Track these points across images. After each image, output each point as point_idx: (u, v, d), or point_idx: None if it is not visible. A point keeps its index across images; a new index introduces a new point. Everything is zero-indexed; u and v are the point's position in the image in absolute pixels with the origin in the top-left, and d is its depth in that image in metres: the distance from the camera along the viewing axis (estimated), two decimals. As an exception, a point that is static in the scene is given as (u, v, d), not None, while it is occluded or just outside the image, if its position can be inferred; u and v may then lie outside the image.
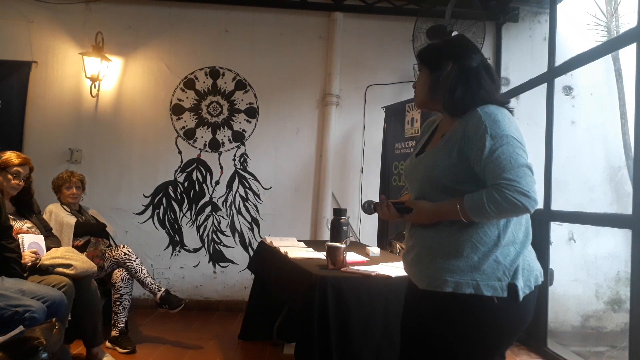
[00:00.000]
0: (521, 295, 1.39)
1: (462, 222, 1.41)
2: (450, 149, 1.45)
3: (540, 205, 3.47)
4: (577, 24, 4.65)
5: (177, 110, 4.58)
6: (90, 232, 3.51)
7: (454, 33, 4.06)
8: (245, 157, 4.61)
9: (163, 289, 3.39)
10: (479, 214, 1.36)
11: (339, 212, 3.29)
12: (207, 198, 4.56)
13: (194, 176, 4.57)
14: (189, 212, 4.55)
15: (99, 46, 4.37)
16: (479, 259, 1.39)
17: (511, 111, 1.48)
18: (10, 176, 2.85)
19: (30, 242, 2.85)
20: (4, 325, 2.20)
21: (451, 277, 1.40)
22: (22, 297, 2.34)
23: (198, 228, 4.55)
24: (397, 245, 3.39)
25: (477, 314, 1.39)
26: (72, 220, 3.40)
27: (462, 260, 1.40)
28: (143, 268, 3.42)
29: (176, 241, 4.53)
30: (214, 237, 4.56)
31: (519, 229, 1.44)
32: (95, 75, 4.36)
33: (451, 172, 1.44)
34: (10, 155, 2.89)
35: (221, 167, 4.59)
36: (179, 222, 4.54)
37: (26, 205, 3.04)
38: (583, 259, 4.55)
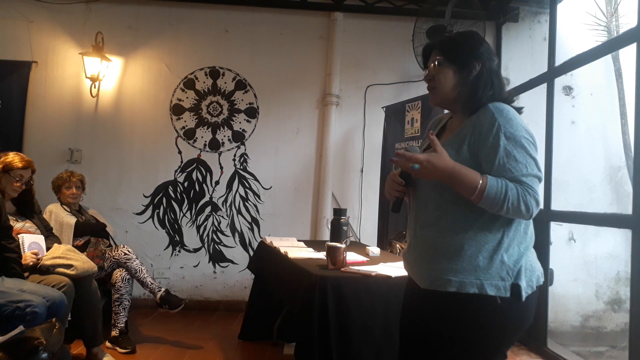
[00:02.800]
0: (524, 295, 1.39)
1: (466, 221, 1.40)
2: (459, 144, 1.44)
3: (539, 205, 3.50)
4: (577, 24, 4.65)
5: (177, 110, 4.58)
6: (90, 232, 3.51)
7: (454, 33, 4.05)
8: (245, 157, 4.61)
9: (163, 289, 3.40)
10: (494, 200, 1.33)
11: (339, 212, 3.29)
12: (207, 198, 4.57)
13: (194, 176, 4.57)
14: (189, 212, 4.55)
15: (99, 46, 4.37)
16: (483, 259, 1.39)
17: (519, 110, 1.49)
18: (13, 179, 2.84)
19: (30, 242, 2.85)
20: (6, 322, 2.20)
21: (455, 277, 1.40)
22: (22, 293, 2.34)
23: (198, 228, 4.55)
24: (397, 245, 3.39)
25: (480, 314, 1.39)
26: (72, 220, 3.40)
27: (466, 259, 1.39)
28: (143, 268, 3.42)
29: (176, 241, 4.53)
30: (214, 237, 4.56)
31: (524, 229, 1.44)
32: (95, 75, 4.36)
33: None
34: (14, 158, 2.87)
35: (221, 167, 4.59)
36: (179, 222, 4.54)
37: (27, 206, 3.04)
38: (583, 259, 4.55)
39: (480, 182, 1.34)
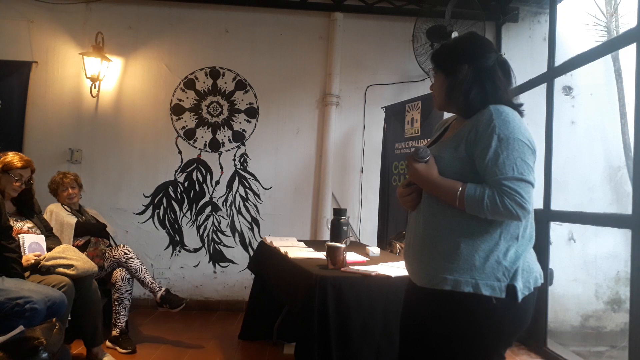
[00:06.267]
0: (520, 296, 1.38)
1: (462, 220, 1.41)
2: (458, 142, 1.45)
3: (540, 205, 3.51)
4: (577, 24, 4.65)
5: (177, 110, 4.58)
6: (90, 232, 3.52)
7: (454, 33, 4.06)
8: (246, 157, 4.61)
9: (163, 289, 3.40)
10: (473, 207, 1.38)
11: (339, 212, 3.29)
12: (207, 198, 4.57)
13: (194, 176, 4.57)
14: (189, 212, 4.55)
15: (99, 46, 4.37)
16: (479, 258, 1.39)
17: (521, 113, 1.49)
18: (13, 179, 2.84)
19: (30, 242, 2.86)
20: (6, 319, 2.20)
21: (450, 275, 1.40)
22: (21, 290, 2.34)
23: (198, 228, 4.55)
24: (397, 245, 3.39)
25: (476, 314, 1.39)
26: (73, 220, 3.41)
27: (462, 258, 1.40)
28: (143, 267, 3.42)
29: (176, 241, 4.53)
30: (214, 237, 4.56)
31: (523, 230, 1.44)
32: (96, 76, 4.37)
33: (456, 165, 1.44)
34: (13, 158, 2.87)
35: (221, 167, 4.59)
36: (179, 222, 4.54)
37: (27, 206, 3.04)
38: (583, 259, 4.55)
39: (460, 190, 1.39)
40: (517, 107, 1.50)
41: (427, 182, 1.46)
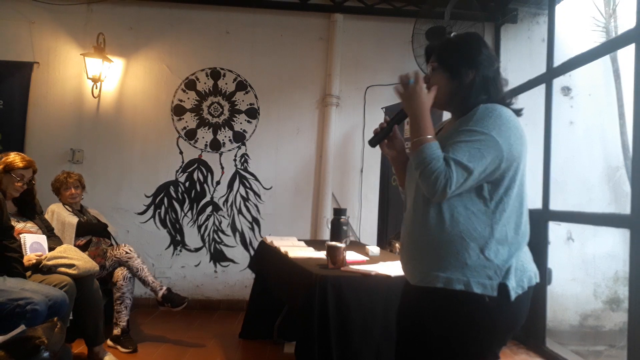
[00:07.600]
0: (513, 295, 1.39)
1: (454, 218, 1.41)
2: (447, 139, 1.46)
3: (538, 205, 3.53)
4: (575, 25, 4.66)
5: (178, 110, 4.60)
6: (92, 232, 3.53)
7: (453, 34, 4.07)
8: (246, 157, 4.63)
9: (165, 288, 3.41)
10: (421, 158, 1.40)
11: (339, 212, 3.31)
12: (208, 198, 4.59)
13: (195, 176, 4.59)
14: (190, 212, 4.57)
15: (100, 47, 4.39)
16: (470, 256, 1.39)
17: (517, 111, 1.50)
18: (14, 179, 2.85)
19: (32, 242, 2.87)
20: (6, 320, 2.21)
21: (443, 273, 1.41)
22: (23, 291, 2.36)
23: (199, 228, 4.57)
24: (397, 245, 3.41)
25: (469, 312, 1.40)
26: (74, 220, 3.42)
27: (453, 256, 1.41)
28: (144, 267, 3.44)
29: (177, 241, 4.55)
30: (215, 236, 4.58)
31: (516, 228, 1.44)
32: (97, 76, 4.39)
33: None
34: (15, 158, 2.88)
35: (222, 167, 4.61)
36: (180, 221, 4.56)
37: (28, 206, 3.05)
38: (581, 259, 4.57)
39: (429, 136, 1.42)
40: (516, 110, 1.51)
41: (420, 106, 1.47)
